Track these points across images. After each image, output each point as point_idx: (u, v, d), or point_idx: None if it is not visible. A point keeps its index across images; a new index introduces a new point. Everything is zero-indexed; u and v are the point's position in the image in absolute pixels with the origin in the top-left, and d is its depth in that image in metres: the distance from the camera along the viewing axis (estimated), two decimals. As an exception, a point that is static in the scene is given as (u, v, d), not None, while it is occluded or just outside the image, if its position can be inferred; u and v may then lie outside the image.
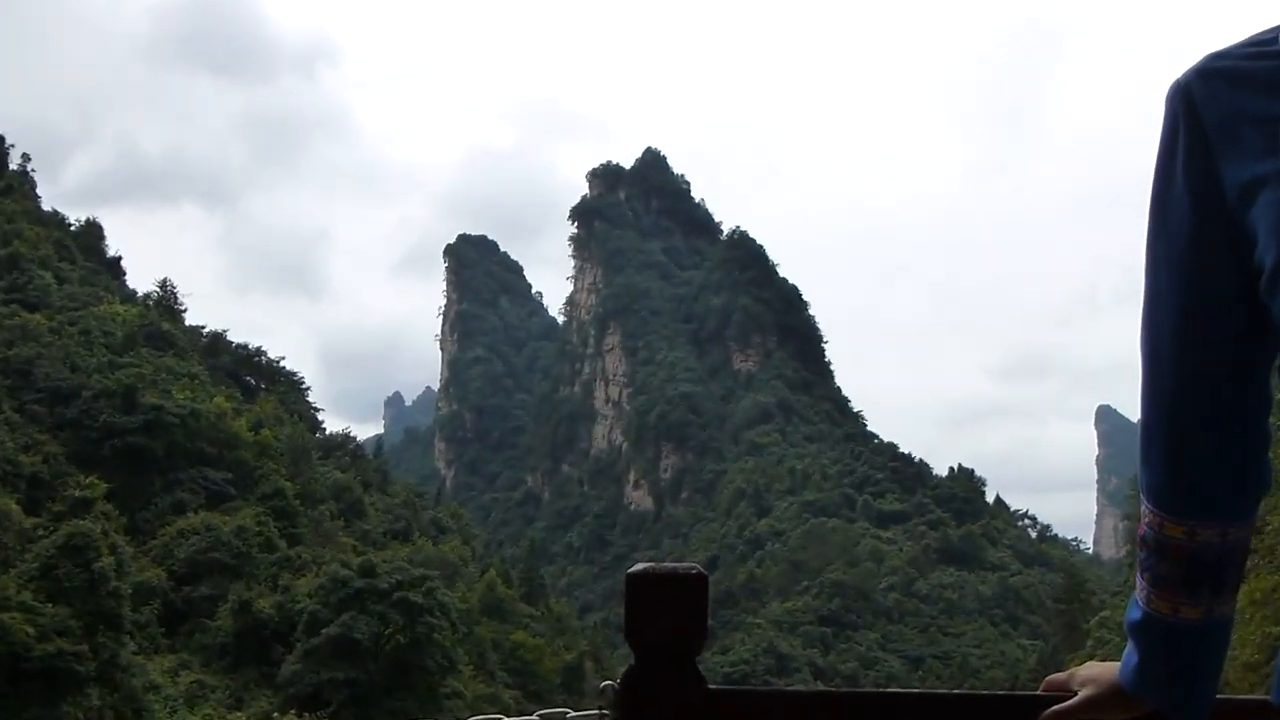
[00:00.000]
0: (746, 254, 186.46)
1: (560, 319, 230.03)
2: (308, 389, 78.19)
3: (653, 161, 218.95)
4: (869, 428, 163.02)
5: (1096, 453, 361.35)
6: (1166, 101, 1.09)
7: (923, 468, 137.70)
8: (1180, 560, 1.08)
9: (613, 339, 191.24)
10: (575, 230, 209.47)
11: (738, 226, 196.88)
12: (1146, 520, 1.09)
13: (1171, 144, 1.07)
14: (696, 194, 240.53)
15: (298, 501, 51.13)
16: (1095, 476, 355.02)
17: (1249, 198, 1.01)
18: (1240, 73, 1.03)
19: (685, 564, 1.11)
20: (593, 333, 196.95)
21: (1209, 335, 1.09)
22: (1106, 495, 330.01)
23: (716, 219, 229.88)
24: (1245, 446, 1.09)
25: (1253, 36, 1.04)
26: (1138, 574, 1.12)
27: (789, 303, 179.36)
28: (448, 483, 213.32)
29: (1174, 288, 1.08)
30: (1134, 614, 1.17)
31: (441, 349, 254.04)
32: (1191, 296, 1.08)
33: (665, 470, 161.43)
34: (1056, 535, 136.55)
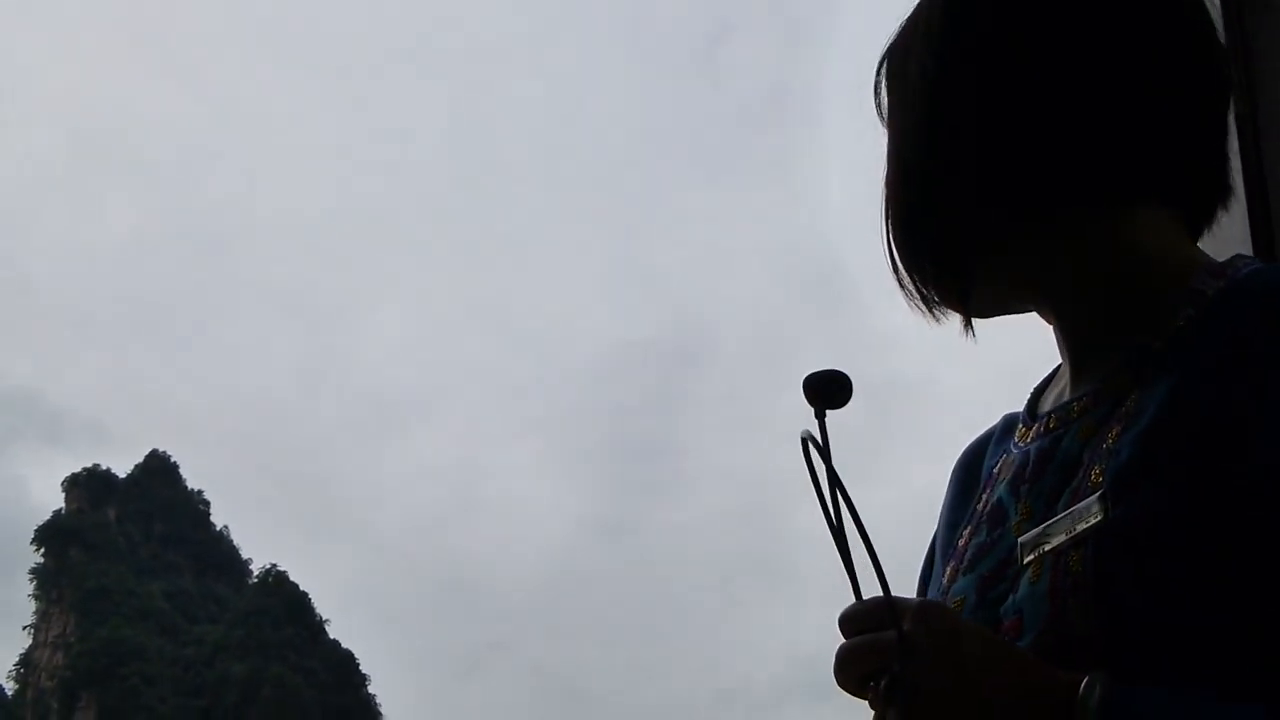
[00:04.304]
0: (285, 604, 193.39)
1: (10, 688, 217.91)
2: None
3: (159, 470, 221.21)
4: None
5: None
6: None
7: None
8: None
9: (86, 716, 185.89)
10: (41, 560, 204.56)
11: (274, 565, 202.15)
12: None
13: None
14: (219, 518, 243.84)
15: None
16: None
17: None
18: None
19: None
20: (55, 707, 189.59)
21: None
22: None
23: (244, 554, 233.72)
24: None
25: None
26: None
27: (341, 676, 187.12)
28: None
29: None
30: None
31: None
32: None
33: None
34: None
